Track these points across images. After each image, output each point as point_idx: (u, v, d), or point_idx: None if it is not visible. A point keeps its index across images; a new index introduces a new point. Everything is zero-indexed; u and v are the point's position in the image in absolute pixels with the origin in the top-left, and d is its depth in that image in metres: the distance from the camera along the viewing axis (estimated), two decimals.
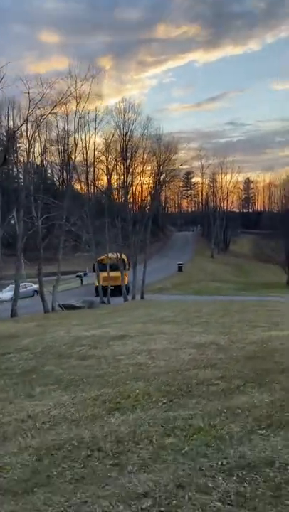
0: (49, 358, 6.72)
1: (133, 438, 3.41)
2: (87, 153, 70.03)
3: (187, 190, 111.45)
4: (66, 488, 2.74)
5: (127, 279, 27.42)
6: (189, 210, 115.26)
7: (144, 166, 75.36)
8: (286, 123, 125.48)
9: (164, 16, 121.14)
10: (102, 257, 27.90)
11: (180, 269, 44.64)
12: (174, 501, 2.52)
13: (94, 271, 27.18)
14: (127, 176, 73.50)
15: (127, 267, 28.07)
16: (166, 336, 8.07)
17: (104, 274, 26.18)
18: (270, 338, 7.50)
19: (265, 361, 5.70)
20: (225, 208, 77.57)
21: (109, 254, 26.32)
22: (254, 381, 4.77)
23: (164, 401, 4.23)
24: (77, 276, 36.98)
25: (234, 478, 2.76)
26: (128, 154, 73.61)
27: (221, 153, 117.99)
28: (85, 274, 37.63)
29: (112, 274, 26.72)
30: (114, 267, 27.05)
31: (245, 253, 63.08)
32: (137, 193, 77.53)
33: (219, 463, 2.96)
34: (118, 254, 25.66)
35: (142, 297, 24.79)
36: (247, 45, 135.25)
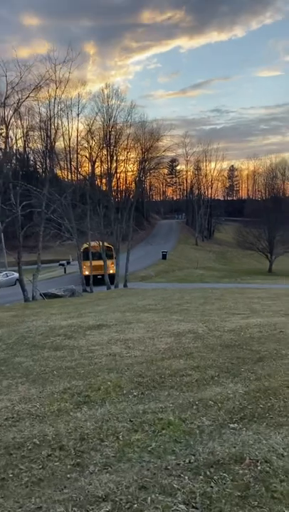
0: (21, 349, 6.48)
1: (98, 434, 3.23)
2: (70, 139, 68.58)
3: (172, 177, 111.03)
4: (21, 492, 2.54)
5: (114, 267, 27.12)
6: (174, 198, 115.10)
7: (127, 152, 74.53)
8: (270, 110, 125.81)
9: (148, 1, 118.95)
10: (87, 245, 27.59)
11: (164, 257, 44.57)
12: (136, 505, 2.35)
13: (84, 259, 26.54)
14: (110, 163, 72.56)
15: (114, 255, 27.84)
16: (144, 325, 7.90)
17: (91, 262, 25.67)
18: (248, 326, 7.40)
19: (241, 350, 5.58)
20: (209, 195, 77.62)
21: (93, 243, 26.00)
22: (229, 371, 4.63)
23: (135, 393, 4.06)
24: (60, 264, 36.59)
25: (201, 477, 2.60)
26: (112, 141, 72.62)
27: (206, 140, 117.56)
28: (68, 263, 37.24)
29: (100, 262, 26.34)
30: (101, 256, 26.78)
31: (229, 241, 63.31)
32: (121, 180, 76.97)
33: (187, 460, 2.80)
34: (100, 243, 25.28)
35: (125, 285, 24.59)
36: (232, 32, 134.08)
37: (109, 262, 26.79)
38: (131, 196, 29.39)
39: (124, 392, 4.12)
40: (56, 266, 37.62)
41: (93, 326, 8.01)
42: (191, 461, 2.80)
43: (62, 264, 35.91)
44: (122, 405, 3.78)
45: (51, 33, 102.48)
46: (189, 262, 45.97)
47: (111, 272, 27.12)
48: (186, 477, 2.60)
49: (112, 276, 26.68)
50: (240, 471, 2.65)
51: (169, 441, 3.07)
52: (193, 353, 5.50)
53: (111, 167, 72.50)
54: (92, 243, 27.50)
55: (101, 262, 26.47)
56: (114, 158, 75.79)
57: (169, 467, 2.73)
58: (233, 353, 5.40)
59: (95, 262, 26.29)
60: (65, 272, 35.40)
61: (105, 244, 28.86)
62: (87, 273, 25.82)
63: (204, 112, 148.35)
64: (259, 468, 2.69)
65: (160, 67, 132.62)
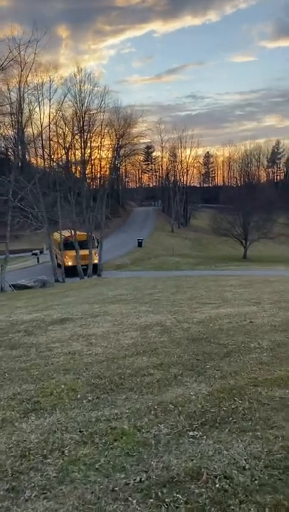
0: None
1: (42, 450, 2.87)
2: (41, 125, 66.67)
3: (148, 164, 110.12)
4: None
5: (98, 257, 26.47)
6: (150, 184, 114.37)
7: (102, 139, 73.11)
8: (245, 96, 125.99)
9: None
10: (70, 234, 26.78)
11: (140, 244, 44.24)
12: None
13: (60, 249, 25.63)
14: (84, 150, 71.15)
15: (96, 244, 27.10)
16: (111, 318, 7.56)
17: (73, 252, 24.92)
18: (217, 317, 7.16)
19: (208, 344, 5.31)
20: (185, 182, 77.40)
21: (63, 231, 25.30)
22: (193, 369, 4.35)
23: (90, 398, 3.72)
24: (33, 254, 35.73)
25: (151, 500, 2.29)
26: (85, 127, 71.06)
27: (181, 126, 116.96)
28: (42, 252, 36.39)
29: (83, 252, 25.56)
30: (83, 245, 25.91)
31: (205, 227, 63.44)
32: (95, 167, 75.71)
33: (137, 479, 2.49)
34: (72, 231, 24.62)
35: (99, 275, 24.17)
36: (206, 16, 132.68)
37: (93, 252, 26.12)
38: (104, 183, 28.59)
39: (79, 396, 3.77)
40: (29, 255, 36.74)
41: (57, 320, 7.61)
42: (142, 479, 2.48)
43: (35, 254, 35.08)
44: (73, 412, 3.44)
45: (21, 15, 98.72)
46: (165, 250, 45.80)
47: (95, 261, 26.36)
48: (135, 501, 2.29)
49: (95, 266, 25.97)
50: (197, 491, 2.36)
51: (120, 456, 2.75)
52: (158, 348, 5.19)
53: (85, 153, 71.39)
54: (77, 232, 26.76)
55: (86, 252, 25.66)
56: (88, 144, 74.64)
57: (116, 488, 2.41)
58: (200, 348, 5.12)
59: (80, 252, 25.48)
60: (38, 261, 34.60)
61: (85, 233, 28.16)
62: (70, 263, 24.91)
63: (179, 97, 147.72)
64: (217, 485, 2.40)
65: (134, 52, 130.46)
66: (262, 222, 40.75)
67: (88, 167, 77.71)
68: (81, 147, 70.54)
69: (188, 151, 75.34)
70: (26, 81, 58.89)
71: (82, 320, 7.52)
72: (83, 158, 69.56)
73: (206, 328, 6.27)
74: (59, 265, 26.78)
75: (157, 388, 3.87)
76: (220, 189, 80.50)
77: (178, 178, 74.07)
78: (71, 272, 24.83)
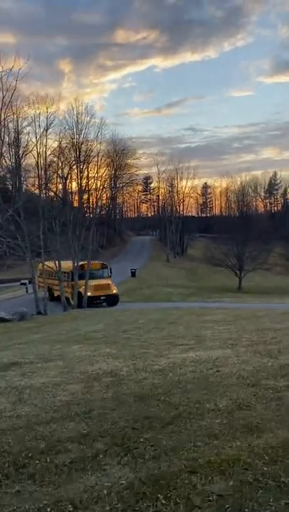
0: None
1: None
2: (38, 155, 67.40)
3: (146, 194, 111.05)
4: None
5: (115, 287, 24.83)
6: (149, 214, 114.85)
7: (98, 169, 73.93)
8: (243, 129, 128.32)
9: (122, 21, 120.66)
10: (83, 263, 25.38)
11: (133, 274, 43.39)
12: None
13: (73, 279, 23.85)
14: (80, 180, 71.70)
15: (109, 274, 25.83)
16: (64, 364, 6.68)
17: (90, 282, 23.43)
18: (183, 363, 6.29)
19: (157, 403, 4.43)
20: (181, 212, 77.40)
21: (85, 262, 24.06)
22: (124, 442, 3.47)
23: None
24: (21, 284, 34.79)
25: None
26: (81, 157, 71.91)
27: (180, 158, 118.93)
28: (30, 282, 35.48)
29: (101, 282, 24.11)
30: (97, 275, 24.65)
31: (201, 257, 62.85)
32: (92, 197, 76.10)
33: None
34: (74, 262, 23.46)
35: (84, 307, 23.18)
36: (205, 53, 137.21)
37: (109, 281, 24.72)
38: (94, 212, 27.83)
39: None
40: (17, 285, 35.85)
41: (3, 366, 6.72)
42: None
43: (24, 284, 34.13)
44: None
45: (26, 50, 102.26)
46: (159, 280, 44.90)
47: (114, 292, 24.46)
48: None
49: (112, 297, 24.12)
50: None
51: None
52: (94, 410, 4.31)
53: (80, 183, 71.80)
54: (85, 262, 25.65)
55: (104, 281, 24.18)
56: (85, 174, 75.23)
57: None
58: (144, 409, 4.25)
59: (95, 281, 23.89)
60: (26, 291, 33.64)
61: (99, 262, 27.09)
62: (89, 294, 23.19)
63: (179, 130, 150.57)
64: None
65: (135, 86, 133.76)
66: (256, 252, 40.09)
67: (84, 196, 78.35)
68: (77, 177, 71.28)
69: (184, 181, 75.76)
70: (21, 113, 59.81)
71: (31, 366, 6.63)
72: (79, 187, 70.04)
73: (164, 380, 5.39)
74: (52, 297, 25.68)
75: (66, 474, 3.00)
76: (217, 219, 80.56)
77: (174, 208, 74.12)
78: (88, 302, 23.20)
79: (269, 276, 51.62)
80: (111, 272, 26.17)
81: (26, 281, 34.72)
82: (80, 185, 70.64)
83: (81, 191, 71.55)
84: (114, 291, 24.63)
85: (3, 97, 21.09)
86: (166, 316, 15.45)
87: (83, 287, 23.43)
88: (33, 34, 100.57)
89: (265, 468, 2.97)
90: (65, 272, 24.28)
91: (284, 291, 37.24)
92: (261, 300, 26.71)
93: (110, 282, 24.71)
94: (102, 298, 23.79)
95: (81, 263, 25.26)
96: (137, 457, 3.20)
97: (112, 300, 24.24)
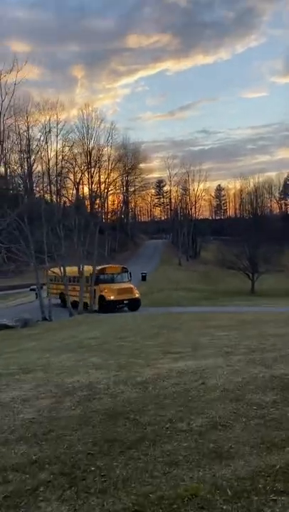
0: None
1: None
2: (48, 161, 67.88)
3: (160, 198, 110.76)
4: None
5: (137, 291, 24.13)
6: (162, 218, 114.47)
7: (108, 173, 74.07)
8: (256, 130, 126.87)
9: (134, 26, 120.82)
10: (104, 266, 25.18)
11: (144, 278, 42.93)
12: None
13: (95, 283, 23.30)
14: (91, 185, 71.91)
15: (129, 277, 25.45)
16: (42, 375, 6.32)
17: (114, 286, 22.91)
18: (168, 374, 5.86)
19: (125, 422, 4.02)
20: (194, 215, 76.76)
21: (107, 265, 23.60)
22: (72, 472, 3.07)
23: None
24: (31, 289, 34.74)
25: None
26: (92, 162, 72.12)
27: (193, 161, 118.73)
28: (42, 287, 35.43)
29: (124, 285, 23.56)
30: (118, 279, 24.16)
31: (214, 260, 62.08)
32: (106, 202, 76.29)
33: None
34: (87, 266, 23.13)
35: (91, 311, 22.89)
36: (217, 55, 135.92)
37: (131, 285, 24.22)
38: (98, 215, 27.15)
39: None
40: (27, 291, 35.85)
41: None
42: None
43: (33, 290, 34.08)
44: None
45: (39, 58, 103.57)
46: (171, 283, 44.34)
47: (137, 296, 23.83)
48: None
49: (135, 301, 23.56)
50: None
51: None
52: (54, 430, 3.92)
53: (91, 188, 71.90)
54: (106, 266, 25.16)
55: (127, 285, 23.69)
56: (97, 179, 75.33)
57: None
58: (109, 430, 3.84)
59: (118, 285, 23.35)
60: (36, 297, 33.57)
61: (119, 265, 26.78)
62: (112, 298, 22.53)
63: (192, 133, 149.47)
64: None
65: (148, 90, 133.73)
66: (269, 254, 39.21)
67: (96, 201, 78.53)
68: (88, 182, 71.44)
69: (196, 184, 75.19)
70: (31, 119, 60.30)
71: (8, 377, 6.29)
72: (90, 192, 70.12)
73: (142, 394, 4.97)
74: (63, 302, 25.19)
75: None
76: (230, 221, 79.73)
77: (186, 211, 73.57)
78: (111, 306, 22.46)
79: (284, 278, 50.48)
80: (131, 276, 25.50)
81: (35, 286, 34.69)
82: (90, 190, 71.09)
83: (92, 196, 71.76)
84: (137, 295, 23.94)
85: (3, 101, 21.18)
86: (170, 321, 15.01)
87: (105, 291, 22.86)
88: (45, 42, 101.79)
89: (224, 507, 2.53)
90: (81, 277, 24.00)
91: None
92: (273, 304, 25.97)
93: (133, 286, 24.14)
94: (125, 302, 23.14)
95: (102, 267, 24.96)
96: (81, 491, 2.80)
97: (135, 304, 23.54)
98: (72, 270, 24.69)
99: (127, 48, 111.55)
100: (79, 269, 22.85)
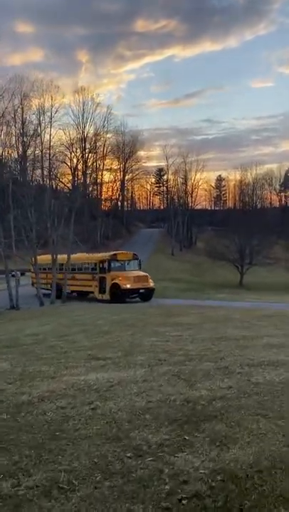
0: None
1: None
2: (42, 144, 66.11)
3: (159, 187, 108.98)
4: None
5: (151, 280, 22.05)
6: (162, 207, 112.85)
7: (104, 159, 72.27)
8: (262, 121, 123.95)
9: (142, 10, 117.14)
10: (117, 252, 23.59)
11: None
12: None
13: (105, 270, 21.40)
14: (85, 170, 70.33)
15: (140, 266, 23.43)
16: None
17: (129, 273, 21.03)
18: (62, 393, 4.76)
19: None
20: (190, 204, 75.28)
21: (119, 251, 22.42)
22: None
23: None
24: (12, 275, 33.63)
25: None
26: (88, 148, 70.39)
27: (196, 150, 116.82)
28: (23, 274, 34.25)
29: (140, 273, 21.54)
30: (130, 266, 22.15)
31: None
32: (105, 188, 74.84)
33: None
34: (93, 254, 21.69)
35: (64, 302, 21.81)
36: (225, 42, 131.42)
37: (146, 273, 22.27)
38: (71, 197, 25.01)
39: None
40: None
41: None
42: None
43: (14, 276, 32.93)
44: None
45: (44, 40, 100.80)
46: (161, 273, 43.14)
47: (152, 285, 21.80)
48: None
49: (151, 291, 21.63)
50: None
51: None
52: None
53: (85, 171, 70.31)
54: (118, 252, 23.64)
55: (142, 273, 21.66)
56: (91, 164, 73.70)
57: None
58: None
59: (132, 273, 21.38)
60: (17, 283, 32.42)
61: (130, 252, 24.98)
62: (128, 286, 20.49)
63: (196, 121, 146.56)
64: None
65: (153, 77, 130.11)
66: (261, 246, 38.01)
67: (97, 188, 76.98)
68: (82, 167, 69.81)
69: (194, 173, 73.56)
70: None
71: None
72: (83, 178, 68.59)
73: (4, 423, 3.86)
74: (61, 292, 23.17)
75: None
76: (225, 212, 78.43)
77: (182, 201, 72.11)
78: (126, 296, 20.52)
79: (276, 271, 49.35)
80: (140, 264, 23.64)
81: (18, 272, 33.52)
82: (84, 174, 69.51)
83: (86, 182, 70.24)
84: (152, 284, 21.87)
85: None
86: (134, 316, 13.87)
87: (120, 279, 20.79)
88: (50, 23, 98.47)
89: None
90: (88, 264, 22.72)
91: (288, 288, 35.23)
92: (258, 298, 24.88)
93: (148, 274, 22.26)
94: (140, 291, 21.00)
95: (112, 252, 23.38)
96: None
97: (149, 294, 21.47)
98: (90, 256, 23.54)
99: (134, 32, 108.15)
100: (52, 256, 21.65)
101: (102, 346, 7.88)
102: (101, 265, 21.91)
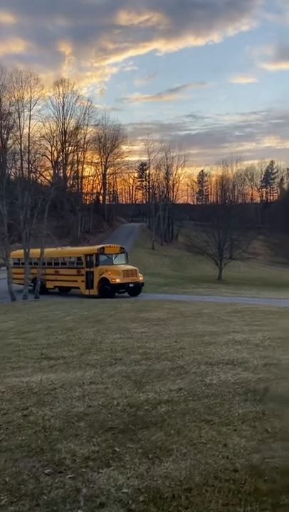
0: None
1: None
2: (21, 137, 64.74)
3: (142, 181, 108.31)
4: None
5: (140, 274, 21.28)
6: (144, 201, 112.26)
7: (84, 152, 71.33)
8: (245, 117, 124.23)
9: (125, 2, 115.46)
10: (104, 245, 22.76)
11: None
12: None
13: (92, 264, 20.42)
14: (65, 163, 69.28)
15: (127, 259, 22.53)
16: None
17: (118, 267, 20.17)
18: (27, 391, 4.35)
19: None
20: (172, 199, 75.08)
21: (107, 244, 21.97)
22: None
23: None
24: None
25: None
26: (68, 142, 69.34)
27: (179, 145, 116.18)
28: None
29: (129, 267, 20.74)
30: (118, 260, 21.25)
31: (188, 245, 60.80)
32: (86, 182, 73.86)
33: None
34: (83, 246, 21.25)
35: (37, 297, 21.22)
36: (208, 37, 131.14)
37: (136, 267, 21.47)
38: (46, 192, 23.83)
39: None
40: None
41: None
42: None
43: None
44: None
45: (26, 31, 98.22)
46: (141, 268, 42.59)
47: (141, 279, 20.99)
48: None
49: (140, 285, 20.83)
50: None
51: None
52: None
53: (65, 168, 69.27)
54: (106, 245, 22.92)
55: (132, 267, 20.93)
56: (72, 158, 72.56)
57: None
58: None
59: (122, 267, 20.58)
60: None
61: (117, 245, 24.12)
62: (118, 280, 19.66)
63: (179, 117, 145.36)
64: None
65: (136, 70, 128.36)
66: (239, 241, 37.99)
67: (77, 182, 75.96)
68: (62, 160, 68.67)
69: (174, 168, 73.27)
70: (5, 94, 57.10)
71: None
72: (64, 171, 67.46)
73: None
74: (44, 288, 22.40)
75: None
76: (206, 207, 78.56)
77: (163, 195, 71.81)
78: (115, 290, 19.74)
79: (256, 266, 49.65)
80: (128, 258, 22.76)
81: None
82: (64, 167, 68.41)
83: (65, 176, 69.15)
84: (141, 279, 21.08)
85: None
86: (105, 311, 13.50)
87: (109, 273, 19.99)
88: (32, 14, 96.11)
89: None
90: (73, 258, 22.06)
91: (266, 283, 35.38)
92: (234, 293, 24.75)
93: (137, 268, 21.45)
94: (130, 286, 20.27)
95: (100, 246, 22.59)
96: None
97: (138, 289, 20.70)
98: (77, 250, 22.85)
99: (117, 25, 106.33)
100: (25, 250, 20.97)
101: (59, 344, 7.48)
102: (88, 259, 21.02)
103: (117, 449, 3.07)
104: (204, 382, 4.71)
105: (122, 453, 3.02)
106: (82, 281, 21.15)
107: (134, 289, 20.56)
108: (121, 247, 23.12)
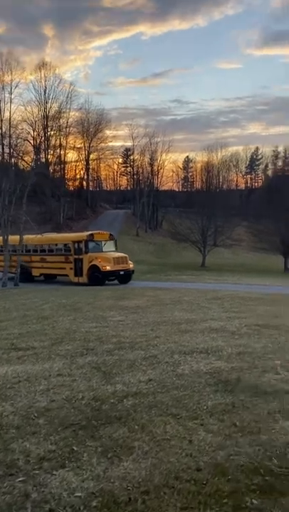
0: None
1: None
2: (1, 121, 63.23)
3: (126, 167, 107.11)
4: None
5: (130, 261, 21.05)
6: (129, 187, 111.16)
7: (67, 137, 70.04)
8: (230, 103, 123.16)
9: None
10: (94, 232, 22.17)
11: None
12: None
13: (82, 251, 20.06)
14: (47, 148, 67.92)
15: (117, 247, 22.10)
16: None
17: (108, 255, 19.85)
18: None
19: None
20: (157, 185, 74.53)
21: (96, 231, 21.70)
22: None
23: None
24: None
25: None
26: (49, 126, 67.93)
27: (165, 131, 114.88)
28: None
29: (119, 254, 20.37)
30: (108, 247, 20.91)
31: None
32: (69, 168, 72.68)
33: None
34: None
35: (16, 284, 20.84)
36: (194, 21, 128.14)
37: (126, 254, 21.10)
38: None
39: None
40: None
41: None
42: None
43: None
44: None
45: (7, 12, 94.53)
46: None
47: (131, 266, 20.83)
48: None
49: (131, 272, 20.74)
50: None
51: None
52: None
53: (47, 152, 67.95)
54: (95, 231, 22.36)
55: (122, 254, 20.55)
56: (56, 142, 71.20)
57: None
58: None
59: (112, 254, 20.15)
60: None
61: (106, 232, 23.30)
62: (108, 268, 19.34)
63: (165, 101, 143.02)
64: None
65: (121, 54, 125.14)
66: (223, 228, 37.94)
67: (59, 167, 74.73)
68: (44, 145, 67.35)
69: (158, 154, 72.55)
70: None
71: None
72: (46, 156, 66.17)
73: None
74: (30, 275, 22.24)
75: None
76: (191, 194, 78.32)
77: (148, 181, 71.25)
78: (105, 278, 19.47)
79: (240, 252, 49.84)
80: (116, 245, 22.29)
81: None
82: (46, 153, 67.14)
83: (48, 160, 67.86)
84: (132, 266, 20.94)
85: None
86: (84, 299, 13.26)
87: (99, 260, 19.67)
88: None
89: None
90: (60, 245, 21.61)
91: (249, 269, 35.58)
92: (217, 279, 24.76)
93: (127, 255, 21.07)
94: (121, 273, 19.97)
95: (89, 233, 21.95)
96: None
97: (128, 276, 20.46)
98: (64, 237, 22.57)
99: (101, 7, 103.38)
100: (3, 237, 20.46)
101: (32, 334, 7.24)
102: (76, 246, 20.57)
103: (75, 448, 2.88)
104: (175, 373, 4.55)
105: (79, 452, 2.84)
106: (71, 268, 20.79)
107: (125, 277, 20.28)
108: (110, 234, 22.77)
